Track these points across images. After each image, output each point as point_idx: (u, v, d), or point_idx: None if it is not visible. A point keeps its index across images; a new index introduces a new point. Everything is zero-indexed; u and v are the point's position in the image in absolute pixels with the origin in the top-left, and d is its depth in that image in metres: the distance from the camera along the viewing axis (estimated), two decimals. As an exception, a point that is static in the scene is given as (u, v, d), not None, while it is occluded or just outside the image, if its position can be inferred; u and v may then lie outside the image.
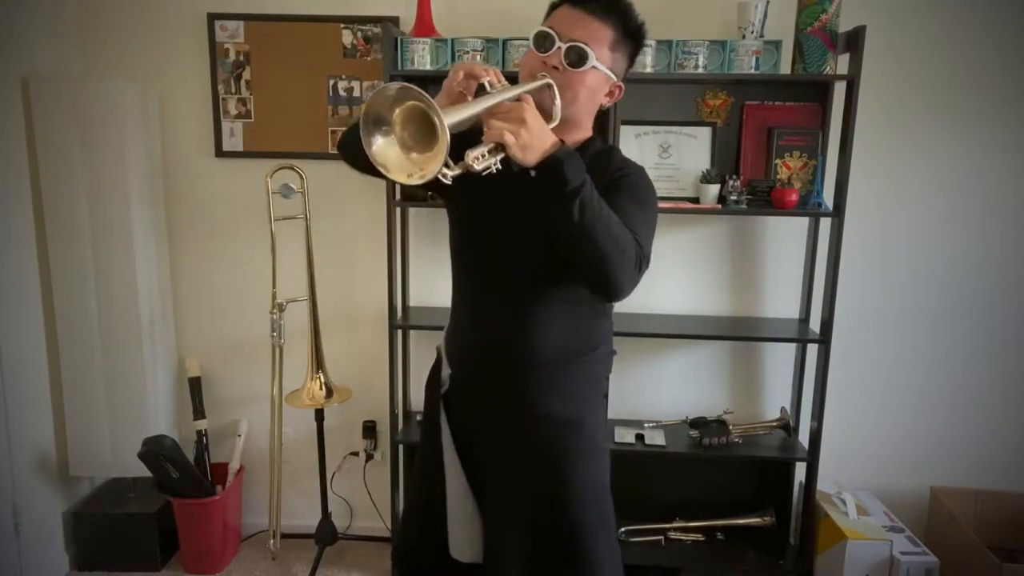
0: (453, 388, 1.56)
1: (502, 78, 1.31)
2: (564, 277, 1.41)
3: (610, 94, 1.46)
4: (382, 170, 1.16)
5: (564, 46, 1.36)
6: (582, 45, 1.36)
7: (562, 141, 1.24)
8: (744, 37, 2.30)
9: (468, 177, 1.18)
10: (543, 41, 1.39)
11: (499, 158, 1.21)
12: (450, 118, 1.10)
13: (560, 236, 1.25)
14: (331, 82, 2.57)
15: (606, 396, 1.62)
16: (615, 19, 1.39)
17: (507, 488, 1.49)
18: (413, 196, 2.46)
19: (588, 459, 1.50)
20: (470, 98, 1.28)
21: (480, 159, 1.19)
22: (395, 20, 2.49)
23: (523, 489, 1.48)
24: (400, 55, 2.32)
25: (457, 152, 1.14)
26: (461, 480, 1.53)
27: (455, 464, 1.53)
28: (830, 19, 2.23)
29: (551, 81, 1.36)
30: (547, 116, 1.33)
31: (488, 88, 1.27)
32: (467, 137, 1.21)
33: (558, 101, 1.36)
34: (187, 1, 2.55)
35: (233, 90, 2.60)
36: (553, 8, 1.44)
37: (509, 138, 1.17)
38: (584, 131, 1.50)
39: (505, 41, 2.31)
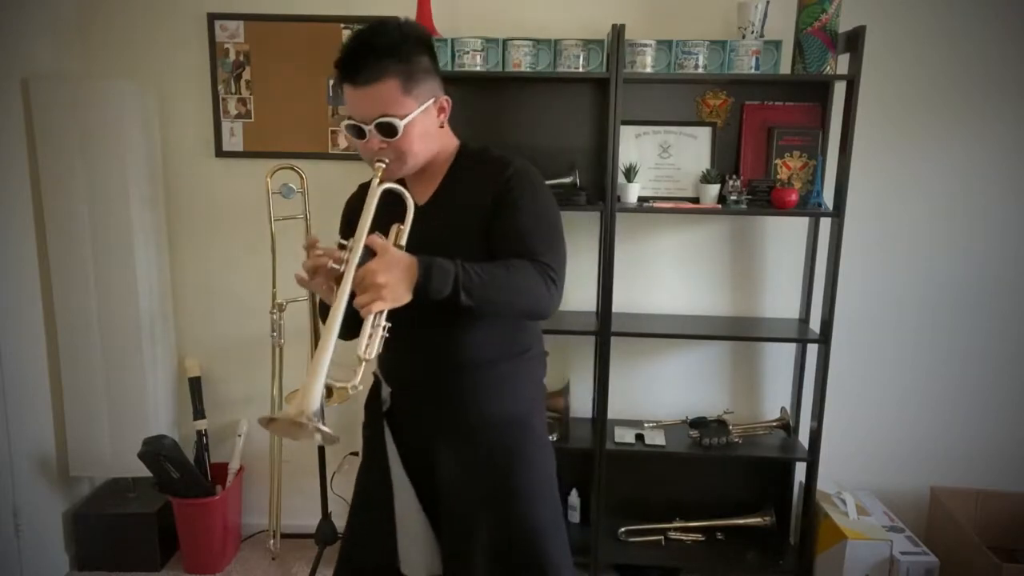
0: (395, 405, 1.55)
1: (341, 243, 1.28)
2: None
3: (440, 111, 1.43)
4: (322, 436, 1.18)
5: (371, 127, 1.33)
6: (384, 120, 1.32)
7: (426, 255, 1.25)
8: (744, 37, 2.30)
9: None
10: (355, 133, 1.37)
11: (383, 319, 1.23)
12: (312, 401, 1.14)
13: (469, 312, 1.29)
14: (331, 82, 2.57)
15: (544, 395, 1.62)
16: (389, 68, 1.32)
17: (463, 496, 1.48)
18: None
19: (539, 459, 1.51)
20: (334, 286, 1.26)
21: (370, 342, 1.22)
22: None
23: (479, 494, 1.47)
24: (400, 55, 2.32)
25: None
26: (411, 497, 1.51)
27: (404, 481, 1.51)
28: (830, 19, 2.23)
29: (385, 184, 1.35)
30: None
31: (339, 267, 1.25)
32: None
33: (408, 199, 1.35)
34: (187, 1, 2.55)
35: (233, 90, 2.60)
36: (341, 88, 1.38)
37: (379, 305, 1.19)
38: (447, 150, 1.48)
39: (505, 41, 2.31)
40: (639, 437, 2.56)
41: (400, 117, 1.33)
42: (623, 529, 2.63)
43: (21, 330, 2.38)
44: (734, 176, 2.44)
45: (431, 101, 1.39)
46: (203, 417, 2.70)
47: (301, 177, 2.47)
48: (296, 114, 2.59)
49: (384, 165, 1.37)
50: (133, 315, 2.51)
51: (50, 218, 2.44)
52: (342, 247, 1.27)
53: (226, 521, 2.65)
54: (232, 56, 2.57)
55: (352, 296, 1.21)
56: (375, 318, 1.22)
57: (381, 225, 1.31)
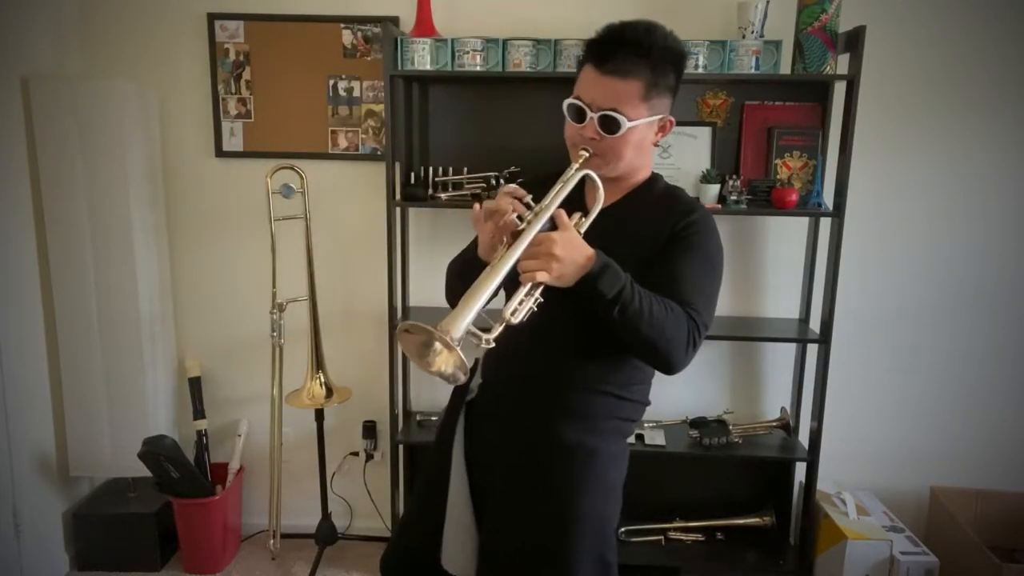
0: (480, 397, 1.54)
1: (527, 199, 1.28)
2: None
3: (661, 130, 1.43)
4: (454, 364, 1.18)
5: (596, 116, 1.34)
6: (613, 114, 1.32)
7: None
8: (744, 37, 2.30)
9: None
10: (576, 114, 1.37)
11: (538, 293, 1.23)
12: (460, 323, 1.14)
13: (605, 325, 1.27)
14: (331, 82, 2.57)
15: (627, 437, 1.55)
16: (640, 70, 1.33)
17: (506, 507, 1.47)
18: (413, 196, 2.45)
19: (593, 492, 1.44)
20: (505, 240, 1.27)
21: (518, 308, 1.21)
22: (395, 20, 2.49)
23: (521, 510, 1.45)
24: (400, 55, 2.32)
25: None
26: (464, 489, 1.51)
27: (461, 472, 1.51)
28: (830, 19, 2.23)
29: (588, 171, 1.36)
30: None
31: (519, 223, 1.24)
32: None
33: (600, 192, 1.35)
34: (187, 1, 2.55)
35: (233, 90, 2.60)
36: (581, 65, 1.40)
37: (543, 276, 1.19)
38: (643, 173, 1.48)
39: (505, 41, 2.31)
40: (639, 437, 2.55)
41: (629, 118, 1.33)
42: (623, 529, 2.62)
43: (21, 330, 2.38)
44: (734, 176, 2.44)
45: (659, 117, 1.39)
46: (203, 417, 2.70)
47: (301, 177, 2.47)
48: (296, 114, 2.59)
49: (587, 155, 1.37)
50: (133, 315, 2.51)
51: (50, 218, 2.44)
52: (528, 207, 1.27)
53: (226, 521, 2.65)
54: (232, 56, 2.57)
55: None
56: (531, 288, 1.22)
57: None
